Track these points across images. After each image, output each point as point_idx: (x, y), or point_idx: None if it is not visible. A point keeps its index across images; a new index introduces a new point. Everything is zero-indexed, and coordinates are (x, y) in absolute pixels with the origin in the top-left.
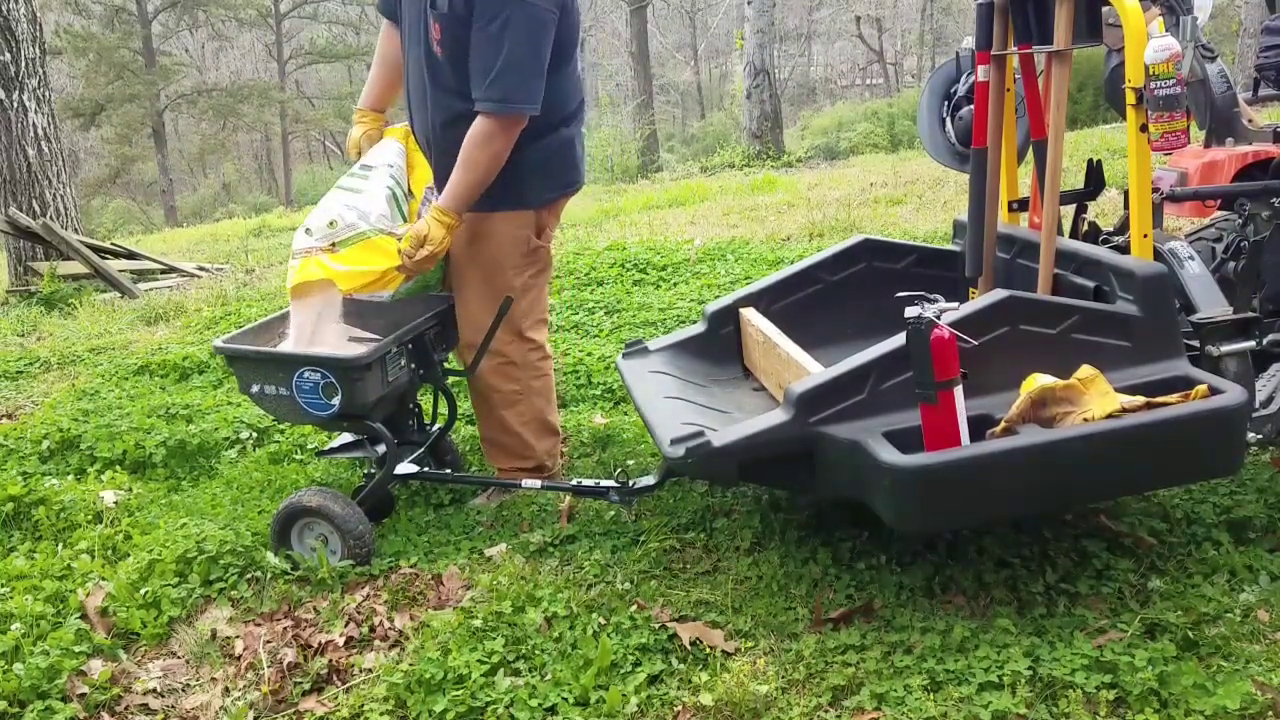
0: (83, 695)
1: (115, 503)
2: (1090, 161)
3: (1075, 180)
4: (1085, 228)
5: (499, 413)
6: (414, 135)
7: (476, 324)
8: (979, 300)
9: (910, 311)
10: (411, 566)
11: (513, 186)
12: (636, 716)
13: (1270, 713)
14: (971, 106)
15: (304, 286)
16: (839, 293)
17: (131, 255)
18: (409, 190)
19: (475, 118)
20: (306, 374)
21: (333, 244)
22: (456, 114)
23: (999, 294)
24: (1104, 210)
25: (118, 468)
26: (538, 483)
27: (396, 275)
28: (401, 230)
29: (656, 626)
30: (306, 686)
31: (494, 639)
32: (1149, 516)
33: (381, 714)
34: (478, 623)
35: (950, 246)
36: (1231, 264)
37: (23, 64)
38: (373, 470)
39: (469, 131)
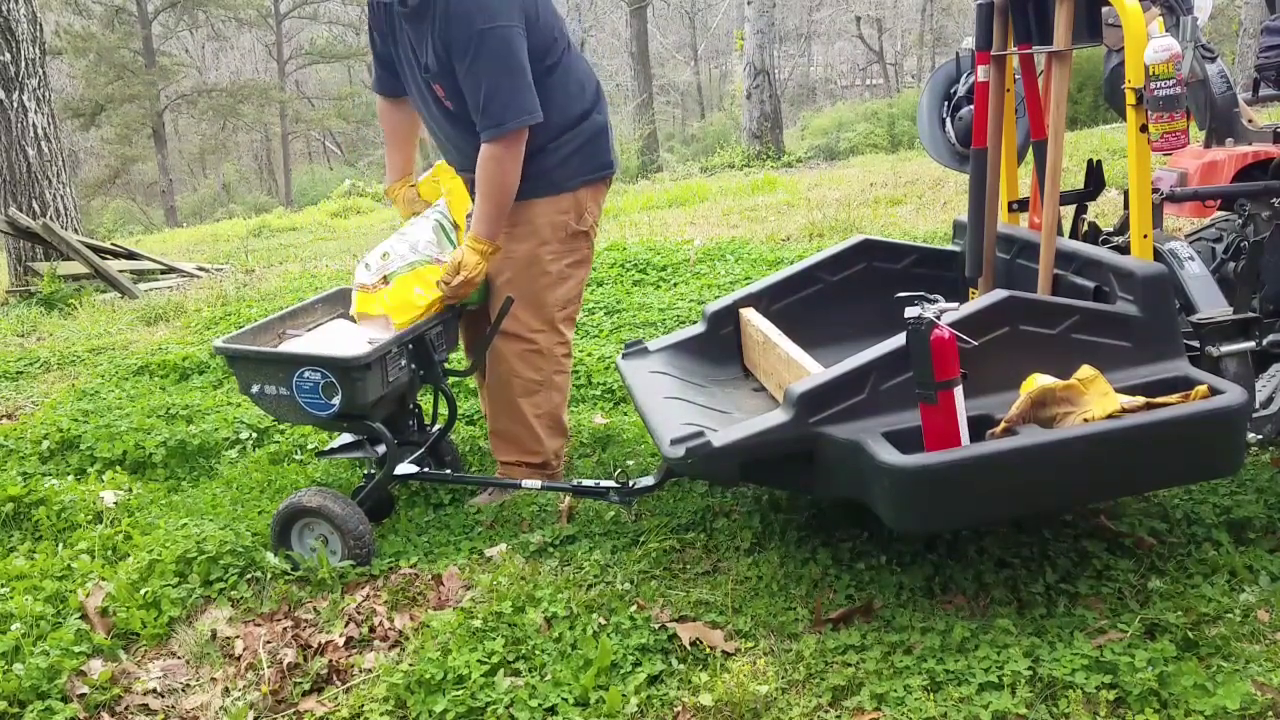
0: (83, 695)
1: (115, 503)
2: (1090, 162)
3: (1075, 180)
4: (1085, 228)
5: (516, 400)
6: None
7: (513, 312)
8: (979, 300)
9: (910, 312)
10: (411, 566)
11: (545, 174)
12: (636, 716)
13: (1270, 713)
14: (971, 106)
15: (366, 317)
16: (839, 293)
17: (131, 255)
18: (454, 221)
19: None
20: (306, 374)
21: (384, 277)
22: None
23: (999, 294)
24: (1104, 210)
25: (118, 468)
26: (538, 483)
27: (442, 304)
28: (449, 256)
29: (656, 627)
30: (306, 686)
31: (494, 639)
32: (1149, 516)
33: (381, 714)
34: (478, 623)
35: (950, 247)
36: (1231, 264)
37: (23, 64)
38: (373, 470)
39: (479, 161)
